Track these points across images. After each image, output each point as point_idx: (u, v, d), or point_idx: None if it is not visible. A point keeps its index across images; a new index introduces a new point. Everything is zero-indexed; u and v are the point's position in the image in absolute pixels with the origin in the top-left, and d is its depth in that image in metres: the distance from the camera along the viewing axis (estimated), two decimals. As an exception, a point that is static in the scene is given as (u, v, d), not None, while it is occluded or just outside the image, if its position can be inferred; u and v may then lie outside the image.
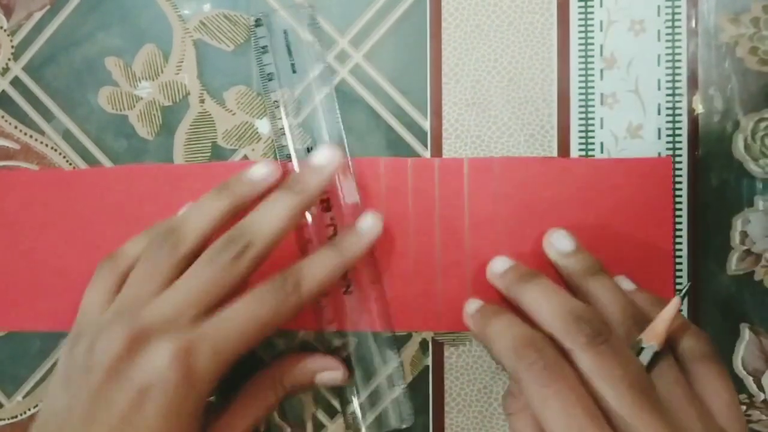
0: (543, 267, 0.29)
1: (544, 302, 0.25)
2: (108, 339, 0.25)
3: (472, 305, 0.29)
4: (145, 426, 0.24)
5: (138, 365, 0.24)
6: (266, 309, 0.25)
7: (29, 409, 0.32)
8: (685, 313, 0.29)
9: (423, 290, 0.30)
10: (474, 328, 0.28)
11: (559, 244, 0.28)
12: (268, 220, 0.26)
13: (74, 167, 0.32)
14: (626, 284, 0.28)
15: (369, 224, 0.28)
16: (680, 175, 0.29)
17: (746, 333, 0.30)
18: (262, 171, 0.28)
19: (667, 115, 0.29)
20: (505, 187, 0.30)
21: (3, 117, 0.32)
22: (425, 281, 0.30)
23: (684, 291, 0.26)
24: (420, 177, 0.30)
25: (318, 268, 0.27)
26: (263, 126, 0.31)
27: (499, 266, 0.29)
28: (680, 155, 0.29)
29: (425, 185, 0.30)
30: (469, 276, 0.30)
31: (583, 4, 0.30)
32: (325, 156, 0.28)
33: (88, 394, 0.24)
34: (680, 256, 0.30)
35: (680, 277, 0.30)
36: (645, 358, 0.24)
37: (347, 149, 0.30)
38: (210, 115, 0.31)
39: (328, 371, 0.29)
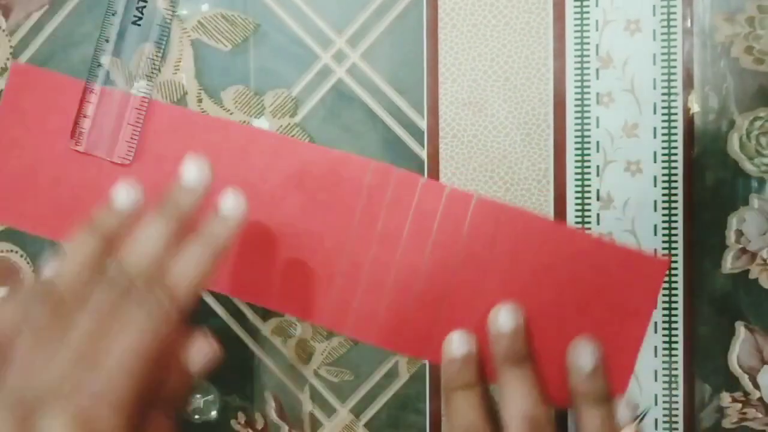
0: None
1: (515, 396, 0.26)
2: None
3: (455, 350, 0.28)
4: None
5: None
6: (149, 335, 0.23)
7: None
8: (680, 311, 0.30)
9: (395, 309, 0.30)
10: (443, 377, 0.28)
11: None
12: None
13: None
14: (585, 359, 0.28)
15: (231, 205, 0.26)
16: (675, 174, 0.30)
17: (741, 331, 0.30)
18: (124, 199, 0.26)
19: (663, 114, 0.30)
20: (505, 238, 0.29)
21: (2, 116, 0.32)
22: (399, 301, 0.30)
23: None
24: (426, 198, 0.30)
25: (189, 268, 0.25)
26: (262, 125, 0.31)
27: (505, 324, 0.28)
28: (676, 154, 0.30)
29: (429, 207, 0.30)
30: (446, 309, 0.29)
31: (578, 3, 0.30)
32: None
33: None
34: (675, 255, 0.30)
35: (675, 275, 0.30)
36: None
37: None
38: (208, 114, 0.31)
39: (194, 352, 0.25)
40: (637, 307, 0.29)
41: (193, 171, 0.26)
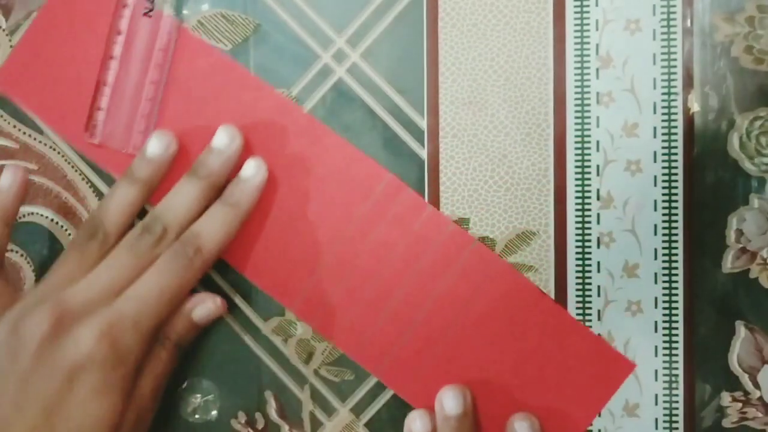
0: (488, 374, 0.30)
1: None
2: (33, 322, 0.26)
3: (415, 429, 0.29)
4: (77, 405, 0.25)
5: (65, 347, 0.25)
6: (173, 278, 0.27)
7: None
8: (680, 311, 0.30)
9: (364, 320, 0.30)
10: None
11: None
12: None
13: (74, 167, 0.32)
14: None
15: (253, 171, 0.29)
16: (676, 173, 0.30)
17: (741, 330, 0.30)
18: (156, 147, 0.29)
19: (663, 113, 0.30)
20: (489, 289, 0.30)
21: (2, 116, 0.32)
22: (370, 313, 0.30)
23: None
24: (427, 227, 0.30)
25: (214, 226, 0.28)
26: (261, 125, 0.31)
27: (452, 408, 0.28)
28: (676, 153, 0.30)
29: (428, 236, 0.30)
30: (410, 333, 0.30)
31: (578, 3, 0.30)
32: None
33: (17, 379, 0.25)
34: (676, 254, 0.30)
35: (676, 275, 0.30)
36: None
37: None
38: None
39: (200, 305, 0.29)
40: (590, 398, 0.29)
41: (224, 137, 0.29)
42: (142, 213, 0.30)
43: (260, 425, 0.32)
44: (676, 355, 0.30)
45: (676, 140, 0.30)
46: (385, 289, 0.30)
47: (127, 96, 0.30)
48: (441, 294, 0.30)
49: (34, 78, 0.31)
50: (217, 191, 0.29)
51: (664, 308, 0.30)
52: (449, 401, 0.28)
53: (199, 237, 0.28)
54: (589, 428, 0.30)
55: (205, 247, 0.28)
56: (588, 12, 0.30)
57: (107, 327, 0.26)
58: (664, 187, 0.30)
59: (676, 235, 0.30)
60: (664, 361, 0.30)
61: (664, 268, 0.30)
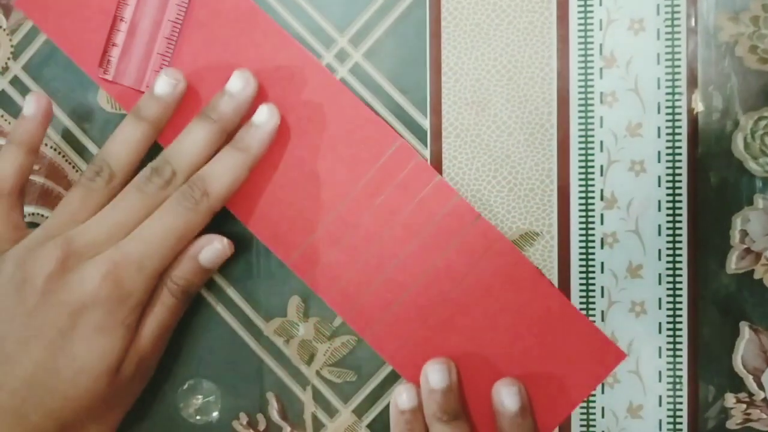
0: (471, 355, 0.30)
1: None
2: (40, 259, 0.26)
3: (402, 403, 0.29)
4: (81, 342, 0.26)
5: (70, 285, 0.26)
6: (180, 220, 0.27)
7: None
8: (684, 312, 0.30)
9: (358, 280, 0.30)
10: (392, 425, 0.29)
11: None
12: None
13: (74, 167, 0.32)
14: (509, 400, 0.28)
15: (265, 117, 0.29)
16: (680, 174, 0.29)
17: (746, 331, 0.30)
18: (164, 85, 0.29)
19: (667, 113, 0.29)
20: (488, 265, 0.29)
21: (2, 116, 0.32)
22: (366, 274, 0.30)
23: None
24: (433, 196, 0.30)
25: (223, 170, 0.28)
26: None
27: (437, 382, 0.28)
28: (680, 154, 0.29)
29: (433, 205, 0.30)
30: (405, 299, 0.30)
31: (582, 2, 0.30)
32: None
33: (22, 315, 0.26)
34: (680, 255, 0.30)
35: (680, 275, 0.30)
36: None
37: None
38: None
39: (206, 247, 0.29)
40: (578, 382, 0.29)
41: (238, 82, 0.29)
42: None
43: (262, 426, 0.32)
44: (680, 356, 0.30)
45: (680, 140, 0.29)
46: (383, 254, 0.30)
47: (144, 33, 0.30)
48: (439, 264, 0.30)
49: (55, 2, 0.31)
50: (228, 136, 0.29)
51: (668, 309, 0.30)
52: (434, 375, 0.28)
53: (206, 181, 0.27)
54: (593, 430, 0.30)
55: (213, 191, 0.27)
56: (592, 12, 0.30)
57: (113, 266, 0.26)
58: (668, 188, 0.29)
59: (680, 235, 0.29)
60: (668, 362, 0.30)
61: (668, 269, 0.30)
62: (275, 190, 0.30)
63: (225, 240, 0.29)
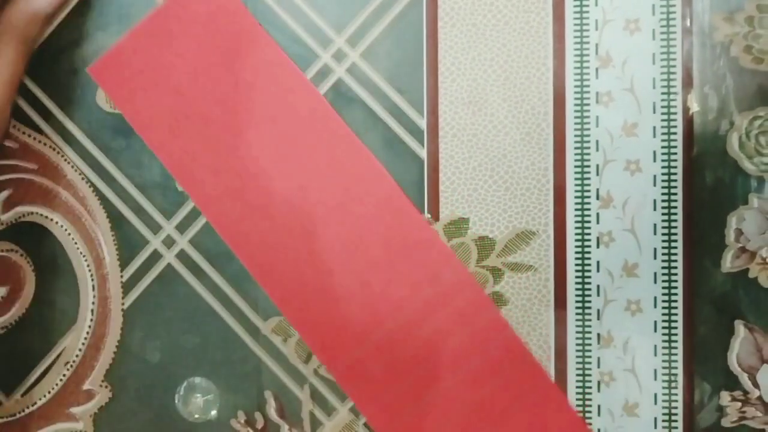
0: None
1: None
2: None
3: None
4: None
5: None
6: None
7: (27, 407, 0.33)
8: (679, 310, 0.30)
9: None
10: None
11: None
12: None
13: (74, 167, 0.32)
14: None
15: None
16: (675, 173, 0.30)
17: (741, 330, 0.30)
18: None
19: (662, 113, 0.30)
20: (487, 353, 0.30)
21: (15, 127, 0.32)
22: (357, 336, 0.30)
23: None
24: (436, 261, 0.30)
25: None
26: (260, 125, 0.31)
27: None
28: (675, 153, 0.30)
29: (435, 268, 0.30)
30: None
31: (578, 3, 0.30)
32: None
33: None
34: (675, 254, 0.30)
35: (675, 274, 0.30)
36: None
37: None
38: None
39: None
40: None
41: None
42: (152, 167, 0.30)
43: (260, 425, 0.32)
44: (676, 354, 0.30)
45: (675, 140, 0.30)
46: (378, 319, 0.30)
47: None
48: (434, 335, 0.30)
49: (129, 77, 0.31)
50: None
51: (664, 308, 0.30)
52: None
53: None
54: (589, 428, 0.30)
55: None
56: (587, 12, 0.30)
57: None
58: (663, 187, 0.30)
59: (676, 234, 0.30)
60: (664, 361, 0.30)
61: (663, 268, 0.30)
62: (260, 219, 0.31)
63: None
